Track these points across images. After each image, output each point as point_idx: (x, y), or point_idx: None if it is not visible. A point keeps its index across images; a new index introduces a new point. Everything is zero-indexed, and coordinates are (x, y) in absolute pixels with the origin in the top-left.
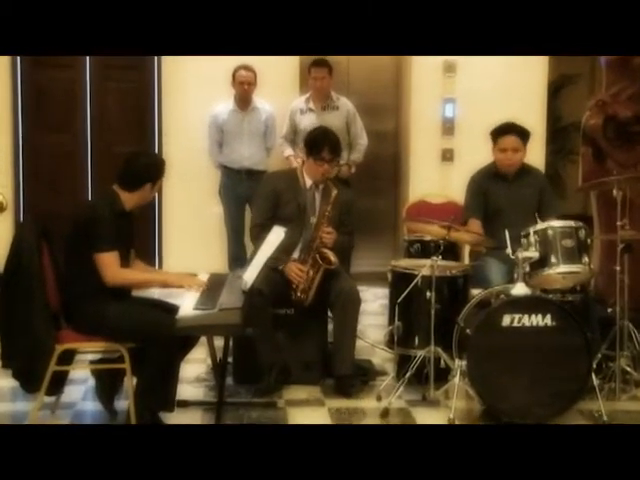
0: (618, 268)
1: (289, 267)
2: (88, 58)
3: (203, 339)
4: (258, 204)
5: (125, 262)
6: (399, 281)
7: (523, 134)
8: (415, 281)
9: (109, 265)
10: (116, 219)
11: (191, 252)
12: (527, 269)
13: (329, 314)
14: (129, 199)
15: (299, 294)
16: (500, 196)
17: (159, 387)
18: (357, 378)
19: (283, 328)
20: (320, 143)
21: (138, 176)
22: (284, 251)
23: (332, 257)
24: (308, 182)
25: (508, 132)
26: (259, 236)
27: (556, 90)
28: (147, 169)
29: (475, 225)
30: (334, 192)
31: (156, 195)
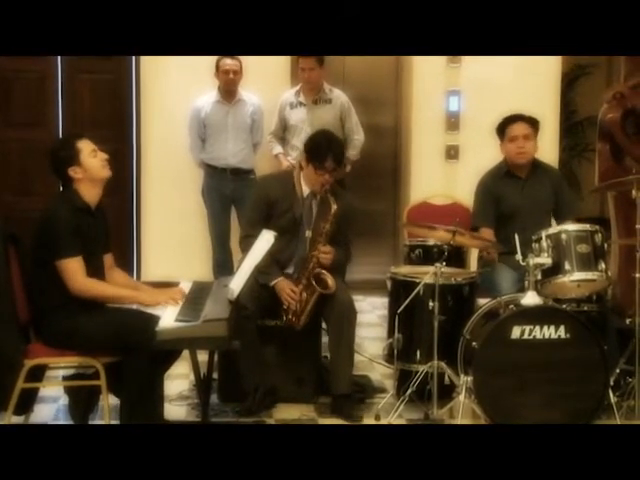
0: (638, 275)
1: (281, 286)
2: None
3: (185, 353)
4: (250, 212)
5: (96, 269)
6: (399, 290)
7: (532, 122)
8: (417, 290)
9: (72, 273)
10: (76, 218)
11: (172, 258)
12: (539, 277)
13: (323, 325)
14: (84, 190)
15: (290, 317)
16: (514, 198)
17: (143, 406)
18: (355, 397)
19: (272, 341)
20: (323, 152)
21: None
22: (277, 266)
23: (330, 281)
24: (305, 190)
25: (516, 119)
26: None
27: (570, 82)
28: (55, 154)
29: (488, 234)
30: (333, 207)
31: (133, 196)
